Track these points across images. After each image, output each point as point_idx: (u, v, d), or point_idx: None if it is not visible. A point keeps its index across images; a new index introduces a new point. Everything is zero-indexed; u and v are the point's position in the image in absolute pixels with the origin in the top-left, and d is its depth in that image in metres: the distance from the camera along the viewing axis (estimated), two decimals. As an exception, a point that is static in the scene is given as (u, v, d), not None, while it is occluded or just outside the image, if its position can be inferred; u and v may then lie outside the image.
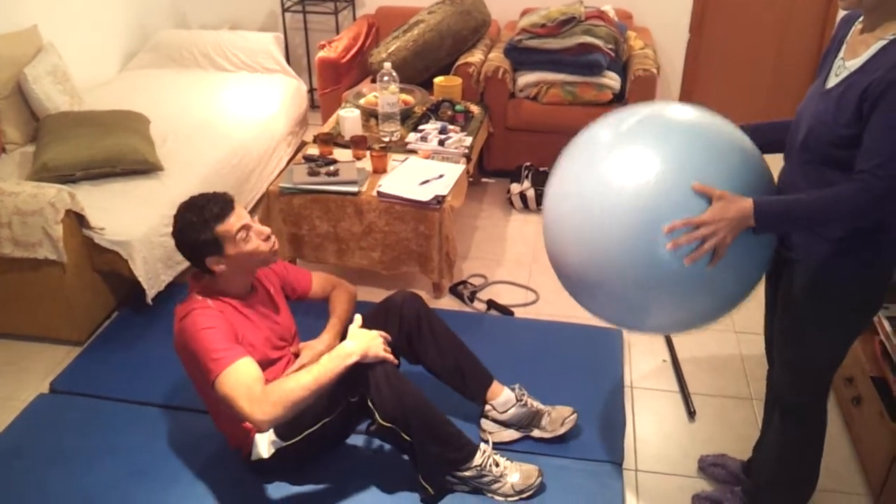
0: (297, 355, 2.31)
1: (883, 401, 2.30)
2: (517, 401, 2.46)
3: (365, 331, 2.15)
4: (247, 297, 2.21)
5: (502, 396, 2.46)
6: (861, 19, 1.68)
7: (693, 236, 1.64)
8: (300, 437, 2.16)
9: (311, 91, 5.13)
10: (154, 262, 2.96)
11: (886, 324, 2.39)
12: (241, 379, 1.95)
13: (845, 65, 1.67)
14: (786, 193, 1.77)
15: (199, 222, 2.04)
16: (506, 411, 2.45)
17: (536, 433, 2.48)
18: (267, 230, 2.16)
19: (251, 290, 2.24)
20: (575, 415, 2.49)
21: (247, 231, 2.09)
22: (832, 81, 1.69)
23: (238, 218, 2.08)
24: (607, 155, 1.76)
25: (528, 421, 2.48)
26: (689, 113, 1.80)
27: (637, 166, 1.70)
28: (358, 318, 2.21)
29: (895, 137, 1.54)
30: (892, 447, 2.19)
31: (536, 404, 2.49)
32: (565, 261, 1.88)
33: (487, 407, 2.47)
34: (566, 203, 1.83)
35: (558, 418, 2.47)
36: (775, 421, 2.08)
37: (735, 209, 1.64)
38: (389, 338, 2.20)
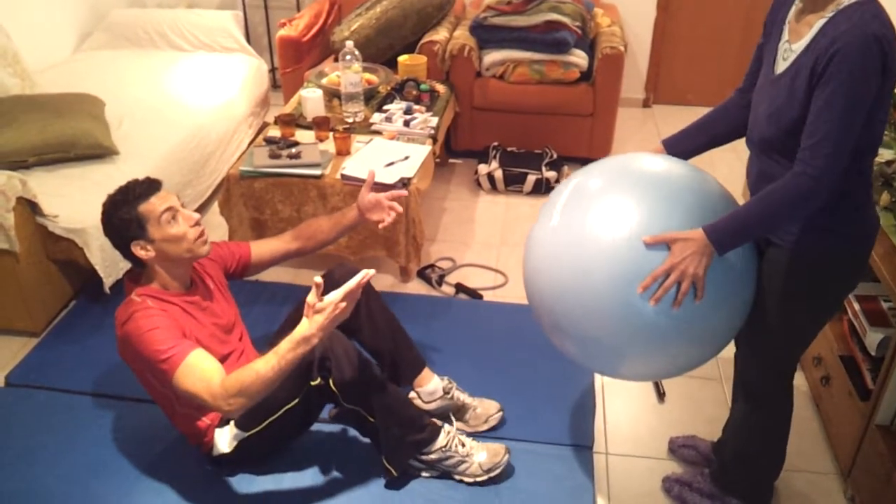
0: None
1: (851, 380, 2.30)
2: (444, 393, 2.43)
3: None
4: (187, 293, 2.13)
5: (430, 385, 2.43)
6: (798, 1, 1.67)
7: (667, 285, 1.68)
8: (262, 425, 2.11)
9: (272, 70, 5.02)
10: (111, 250, 2.80)
11: (855, 303, 2.38)
12: (197, 373, 1.89)
13: (791, 48, 1.65)
14: (757, 184, 1.78)
15: (122, 201, 2.02)
16: (431, 402, 2.42)
17: (459, 426, 2.45)
18: (196, 216, 2.10)
19: (191, 285, 2.17)
20: (500, 413, 2.47)
21: (172, 213, 2.03)
22: (781, 66, 1.68)
23: (163, 200, 2.03)
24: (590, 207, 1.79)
25: (451, 413, 2.45)
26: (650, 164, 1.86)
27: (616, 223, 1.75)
28: (312, 291, 1.87)
29: (832, 114, 1.53)
30: (861, 426, 2.19)
31: (463, 398, 2.46)
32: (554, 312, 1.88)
33: (412, 394, 2.43)
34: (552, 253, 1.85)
35: (483, 415, 2.45)
36: (740, 402, 2.08)
37: (692, 244, 1.67)
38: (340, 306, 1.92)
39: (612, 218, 1.74)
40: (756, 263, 1.84)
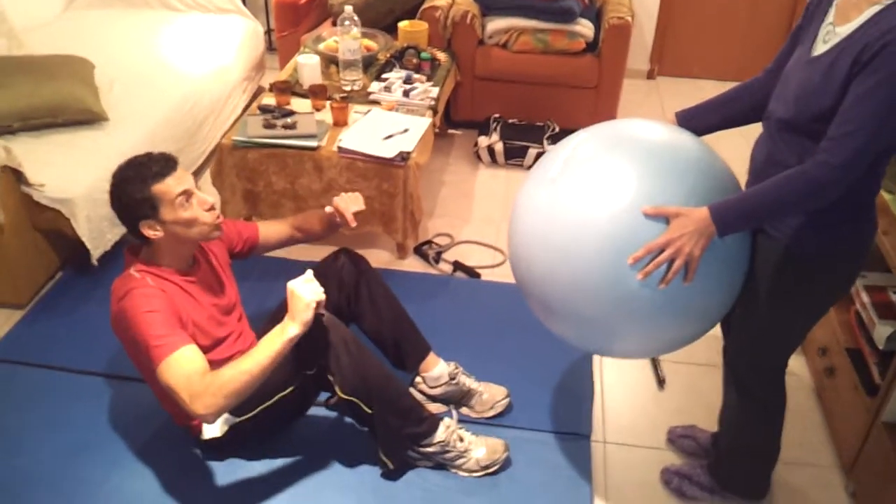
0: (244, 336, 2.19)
1: (858, 373, 2.25)
2: (449, 378, 2.37)
3: (299, 297, 1.87)
4: (188, 272, 2.05)
5: (436, 370, 2.37)
6: None
7: (660, 260, 1.60)
8: (255, 411, 2.05)
9: (268, 32, 4.88)
10: (99, 221, 2.78)
11: (863, 293, 2.32)
12: (182, 369, 1.81)
13: (835, 30, 1.55)
14: (764, 167, 1.71)
15: (136, 178, 1.89)
16: (436, 387, 2.37)
17: (465, 411, 2.40)
18: (211, 200, 1.99)
19: (193, 264, 2.09)
20: (507, 399, 2.41)
21: (187, 197, 1.93)
22: (820, 48, 1.58)
23: (179, 182, 1.92)
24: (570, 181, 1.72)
25: (457, 399, 2.40)
26: (648, 133, 1.77)
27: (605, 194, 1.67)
28: (309, 271, 1.95)
29: (871, 107, 1.44)
30: (866, 422, 2.14)
31: (469, 383, 2.40)
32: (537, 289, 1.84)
33: (418, 379, 2.38)
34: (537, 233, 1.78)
35: (489, 401, 2.39)
36: (732, 394, 2.02)
37: (693, 221, 1.59)
38: (323, 298, 1.91)
39: (612, 185, 1.66)
40: (750, 250, 1.77)
